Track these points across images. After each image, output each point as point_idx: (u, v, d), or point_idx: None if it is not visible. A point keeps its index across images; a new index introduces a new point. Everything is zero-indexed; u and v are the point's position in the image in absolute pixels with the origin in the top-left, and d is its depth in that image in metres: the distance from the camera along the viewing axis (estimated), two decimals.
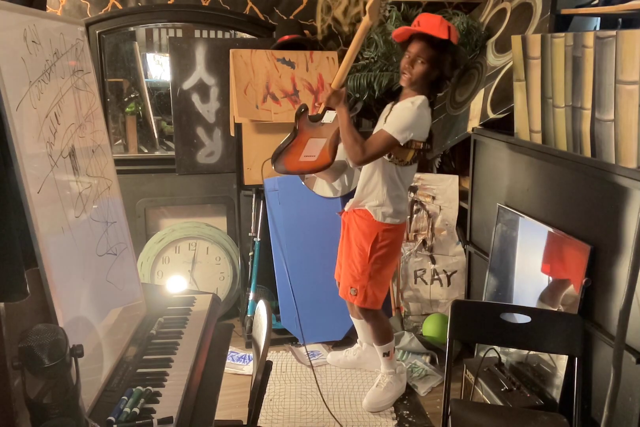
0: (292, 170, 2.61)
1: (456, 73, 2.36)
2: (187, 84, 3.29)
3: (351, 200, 2.60)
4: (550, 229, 2.35)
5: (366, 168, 2.49)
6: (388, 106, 2.52)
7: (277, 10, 3.39)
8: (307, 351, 3.03)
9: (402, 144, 2.31)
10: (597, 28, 3.02)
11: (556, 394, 2.25)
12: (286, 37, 3.23)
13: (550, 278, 2.37)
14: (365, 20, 2.20)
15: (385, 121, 2.39)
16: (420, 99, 2.33)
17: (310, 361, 2.98)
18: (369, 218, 2.48)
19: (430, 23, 2.27)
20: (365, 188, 2.49)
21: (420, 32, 2.28)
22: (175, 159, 3.35)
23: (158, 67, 4.69)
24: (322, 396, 2.72)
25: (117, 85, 4.10)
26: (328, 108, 2.41)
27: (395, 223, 2.49)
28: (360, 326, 2.89)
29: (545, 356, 2.34)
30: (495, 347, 2.42)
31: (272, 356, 3.04)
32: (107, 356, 1.45)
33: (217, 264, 3.46)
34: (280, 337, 3.18)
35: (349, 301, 2.65)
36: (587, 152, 2.26)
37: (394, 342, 2.71)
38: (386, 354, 2.67)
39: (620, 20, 2.84)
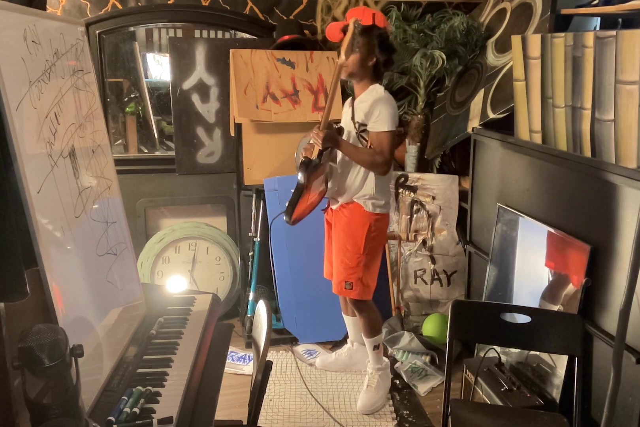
0: (305, 213, 2.59)
1: (391, 56, 2.47)
2: (187, 84, 3.29)
3: (334, 198, 2.61)
4: (550, 229, 2.35)
5: (352, 164, 2.51)
6: (347, 102, 2.60)
7: (277, 10, 3.39)
8: (290, 349, 3.03)
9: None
10: (597, 28, 3.02)
11: (556, 394, 2.25)
12: (286, 37, 3.23)
13: (551, 278, 2.37)
14: (341, 60, 2.29)
15: (354, 119, 2.46)
16: (378, 87, 2.45)
17: (310, 360, 2.98)
18: (359, 210, 2.53)
19: (354, 15, 2.41)
20: (354, 183, 2.52)
21: (347, 25, 2.38)
22: (175, 159, 3.35)
23: (158, 67, 4.69)
24: (320, 397, 2.72)
25: (117, 85, 4.10)
26: (322, 150, 2.42)
27: (384, 213, 2.58)
28: (352, 323, 2.88)
29: (545, 356, 2.34)
30: (495, 347, 2.42)
31: (272, 356, 3.04)
32: (107, 356, 1.45)
33: (217, 264, 3.46)
34: (280, 337, 3.18)
35: (344, 295, 2.66)
36: (587, 152, 2.26)
37: (383, 335, 2.77)
38: (376, 347, 2.68)
39: (620, 20, 2.84)
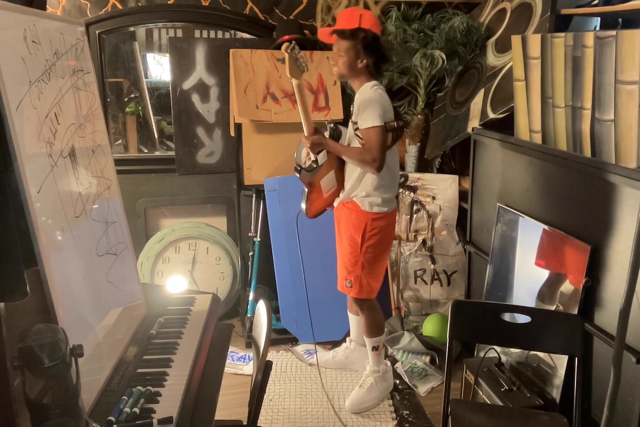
0: (325, 207, 2.70)
1: (381, 57, 2.47)
2: (187, 84, 3.29)
3: (341, 195, 2.64)
4: (550, 229, 2.35)
5: (347, 163, 2.57)
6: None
7: (277, 10, 3.39)
8: (289, 348, 3.03)
9: (387, 128, 2.39)
10: (597, 28, 3.02)
11: (556, 394, 2.25)
12: (286, 37, 3.22)
13: (551, 278, 2.37)
14: (294, 82, 2.43)
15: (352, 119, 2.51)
16: (369, 84, 2.45)
17: (310, 359, 2.98)
18: (357, 209, 2.53)
19: (341, 19, 2.47)
20: (353, 180, 2.53)
21: (334, 30, 2.46)
22: (175, 159, 3.35)
23: (158, 67, 4.69)
24: (320, 397, 2.72)
25: (117, 85, 4.10)
26: (316, 154, 2.56)
27: (383, 211, 2.51)
28: (356, 322, 2.88)
29: (545, 356, 2.34)
30: (495, 347, 2.42)
31: (272, 356, 3.04)
32: (107, 356, 1.45)
33: (217, 264, 3.46)
34: (280, 337, 3.18)
35: (346, 293, 2.68)
36: (587, 152, 2.26)
37: (384, 338, 2.73)
38: (375, 348, 2.66)
39: (620, 20, 2.84)
